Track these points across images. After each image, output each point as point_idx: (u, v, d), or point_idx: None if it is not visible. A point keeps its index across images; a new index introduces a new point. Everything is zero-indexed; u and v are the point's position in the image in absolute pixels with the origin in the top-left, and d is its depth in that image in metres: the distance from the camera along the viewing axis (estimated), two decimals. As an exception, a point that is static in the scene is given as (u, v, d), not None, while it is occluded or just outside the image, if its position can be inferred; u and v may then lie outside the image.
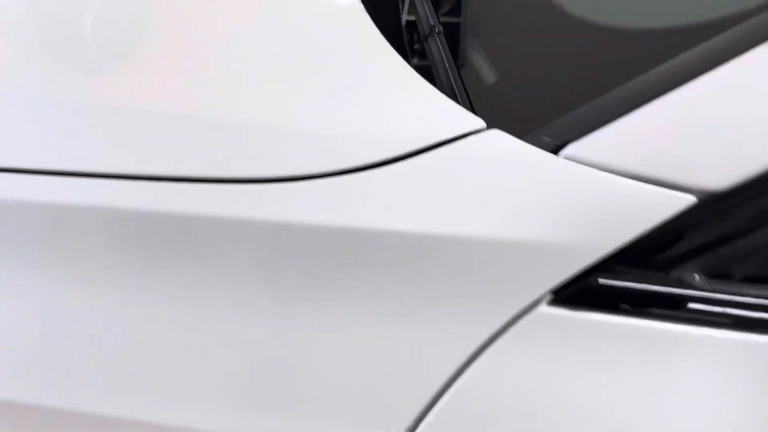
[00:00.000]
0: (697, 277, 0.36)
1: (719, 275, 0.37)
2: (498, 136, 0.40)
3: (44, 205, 0.41)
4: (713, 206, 0.35)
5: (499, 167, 0.39)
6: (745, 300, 0.36)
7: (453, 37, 0.60)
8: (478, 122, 0.41)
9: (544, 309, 0.37)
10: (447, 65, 0.52)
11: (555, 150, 0.39)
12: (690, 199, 0.35)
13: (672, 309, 0.37)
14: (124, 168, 0.41)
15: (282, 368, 0.39)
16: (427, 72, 0.51)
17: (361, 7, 0.53)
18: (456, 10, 0.65)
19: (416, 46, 0.61)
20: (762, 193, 0.35)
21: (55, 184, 0.42)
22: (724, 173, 0.35)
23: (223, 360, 0.39)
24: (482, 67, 0.58)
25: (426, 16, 0.58)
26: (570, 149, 0.38)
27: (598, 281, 0.36)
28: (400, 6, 0.65)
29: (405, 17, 0.64)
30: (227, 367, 0.39)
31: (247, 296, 0.39)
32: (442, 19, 0.61)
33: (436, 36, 0.55)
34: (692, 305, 0.36)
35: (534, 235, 0.36)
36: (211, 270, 0.39)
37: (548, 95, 0.49)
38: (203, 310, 0.39)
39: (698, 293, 0.36)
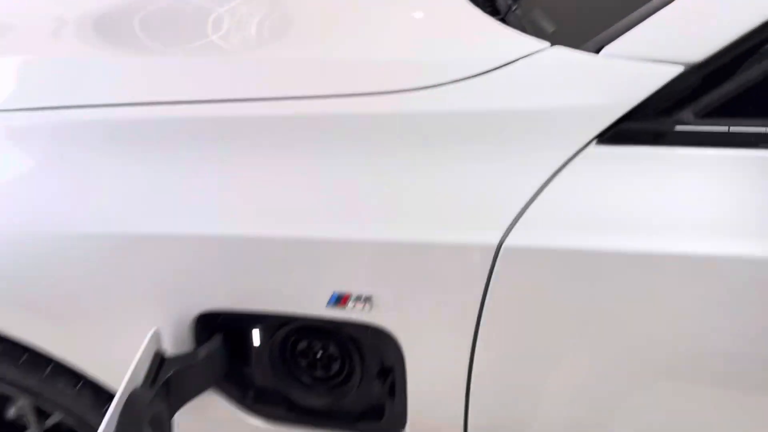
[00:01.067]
0: (690, 116, 0.59)
1: (704, 115, 0.59)
2: (560, 49, 0.65)
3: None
4: (695, 72, 0.58)
5: (563, 65, 0.63)
6: (721, 129, 0.58)
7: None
8: (546, 43, 0.66)
9: (593, 148, 0.61)
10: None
11: (597, 51, 0.63)
12: (679, 69, 0.58)
13: (676, 138, 0.59)
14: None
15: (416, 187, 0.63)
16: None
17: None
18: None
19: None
20: (725, 61, 0.58)
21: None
22: (698, 50, 0.57)
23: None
24: (542, 20, 0.81)
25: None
26: (605, 50, 0.62)
27: (626, 126, 0.60)
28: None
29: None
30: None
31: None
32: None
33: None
34: (687, 134, 0.59)
35: (585, 101, 0.60)
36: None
37: (588, 21, 0.72)
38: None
39: (692, 127, 0.59)
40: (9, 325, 0.77)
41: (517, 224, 0.60)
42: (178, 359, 0.68)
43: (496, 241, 0.60)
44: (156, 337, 0.68)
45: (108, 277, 0.70)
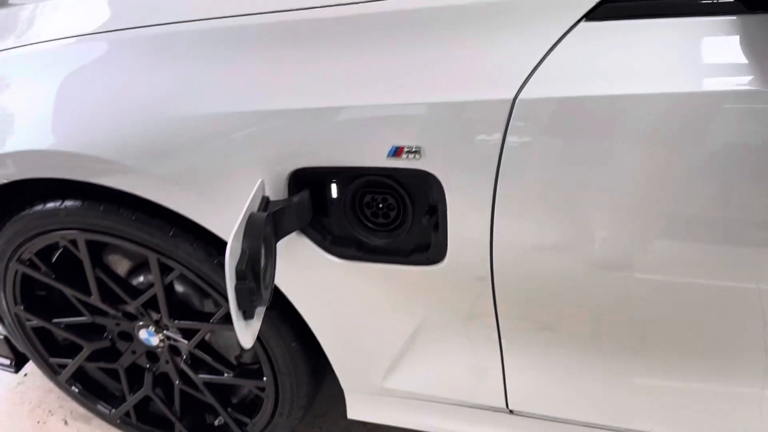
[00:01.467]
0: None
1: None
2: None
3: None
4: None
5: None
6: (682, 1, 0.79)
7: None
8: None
9: (582, 24, 0.82)
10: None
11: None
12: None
13: (651, 10, 0.80)
14: None
15: (446, 59, 0.86)
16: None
17: None
18: None
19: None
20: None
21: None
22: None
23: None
24: None
25: None
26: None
27: (607, 6, 0.81)
28: None
29: None
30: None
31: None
32: None
33: None
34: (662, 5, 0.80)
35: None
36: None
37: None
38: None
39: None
40: (148, 192, 1.03)
41: (527, 83, 0.82)
42: (279, 201, 0.94)
43: (511, 96, 0.82)
44: (262, 184, 0.93)
45: (226, 146, 0.95)
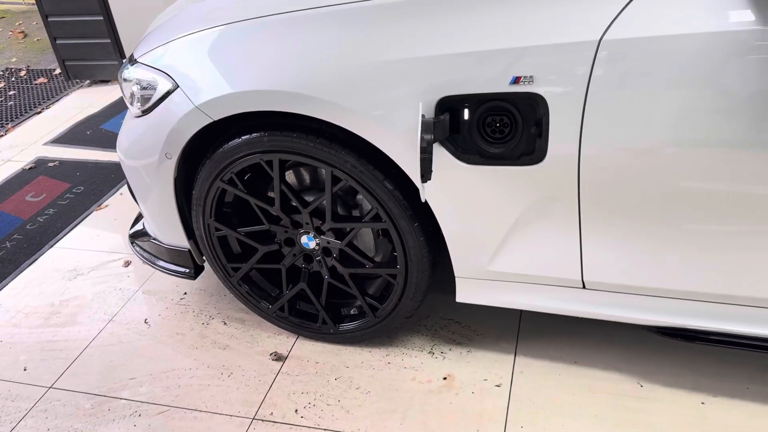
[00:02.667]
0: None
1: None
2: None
3: None
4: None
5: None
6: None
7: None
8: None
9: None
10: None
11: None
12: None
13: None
14: None
15: (538, 12, 1.30)
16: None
17: None
18: None
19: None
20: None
21: None
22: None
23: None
24: None
25: None
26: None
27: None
28: None
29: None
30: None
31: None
32: None
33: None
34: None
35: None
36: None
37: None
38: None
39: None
40: (340, 120, 1.51)
41: (610, 27, 1.26)
42: (431, 118, 1.40)
43: (597, 37, 1.26)
44: (421, 106, 1.40)
45: (395, 83, 1.42)
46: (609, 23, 1.26)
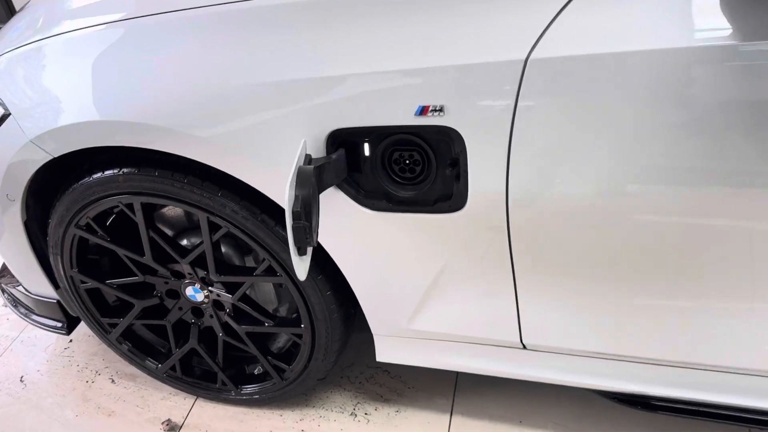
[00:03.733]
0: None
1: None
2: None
3: None
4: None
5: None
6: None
7: None
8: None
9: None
10: None
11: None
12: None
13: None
14: None
15: (461, 24, 0.99)
16: None
17: None
18: None
19: None
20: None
21: None
22: None
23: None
24: None
25: None
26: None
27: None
28: None
29: None
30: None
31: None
32: None
33: None
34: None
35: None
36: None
37: None
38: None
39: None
40: (205, 157, 1.17)
41: (539, 43, 0.95)
42: (320, 159, 1.07)
43: (523, 57, 0.95)
44: (305, 144, 1.06)
45: (271, 112, 1.08)
46: (539, 36, 0.95)
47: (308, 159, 1.06)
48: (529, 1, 0.96)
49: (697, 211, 1.01)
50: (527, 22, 0.95)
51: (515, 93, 0.97)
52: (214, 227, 1.33)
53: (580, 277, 1.15)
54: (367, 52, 1.03)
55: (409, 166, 1.13)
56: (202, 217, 1.30)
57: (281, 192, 1.14)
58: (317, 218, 1.05)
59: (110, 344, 1.72)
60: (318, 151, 1.10)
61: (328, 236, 1.23)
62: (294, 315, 1.49)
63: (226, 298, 1.48)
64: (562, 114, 0.98)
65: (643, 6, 0.92)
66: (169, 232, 1.52)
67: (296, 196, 0.95)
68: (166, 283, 1.52)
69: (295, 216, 0.94)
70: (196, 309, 1.57)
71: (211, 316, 1.55)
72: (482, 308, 1.28)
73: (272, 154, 1.12)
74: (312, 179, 1.00)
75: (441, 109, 1.01)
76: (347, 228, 1.21)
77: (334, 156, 1.09)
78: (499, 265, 1.18)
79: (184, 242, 1.52)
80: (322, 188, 1.08)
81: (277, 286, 1.56)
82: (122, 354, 1.72)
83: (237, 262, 1.50)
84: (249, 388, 1.65)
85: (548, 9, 0.95)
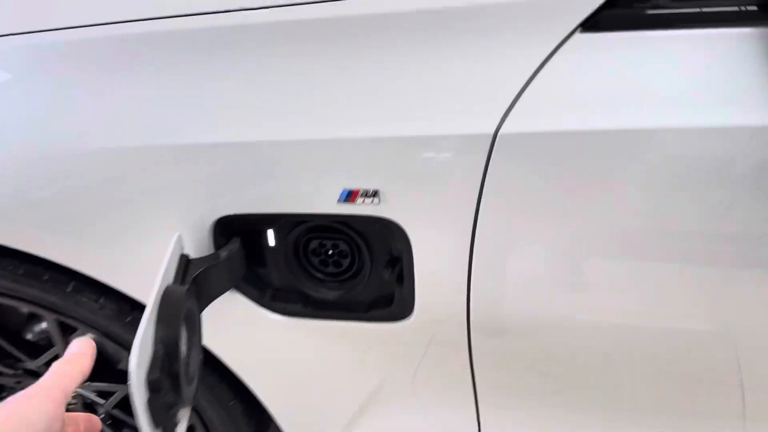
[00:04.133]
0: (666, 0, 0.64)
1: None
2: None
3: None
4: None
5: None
6: (695, 11, 0.63)
7: None
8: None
9: (578, 35, 0.65)
10: None
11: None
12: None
13: (652, 22, 0.64)
14: None
15: (410, 83, 0.67)
16: None
17: None
18: None
19: None
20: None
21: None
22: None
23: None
24: None
25: None
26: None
27: (607, 13, 0.64)
28: None
29: None
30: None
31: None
32: None
33: None
34: (664, 16, 0.64)
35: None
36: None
37: None
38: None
39: (667, 11, 0.64)
40: (31, 244, 0.81)
41: (512, 112, 0.65)
42: (202, 260, 0.74)
43: (492, 130, 0.65)
44: (179, 241, 0.73)
45: (128, 189, 0.74)
46: (510, 103, 0.65)
47: (184, 263, 0.72)
48: (498, 61, 0.66)
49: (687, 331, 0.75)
50: (498, 81, 0.65)
51: (481, 174, 0.67)
52: (69, 328, 0.97)
53: (557, 404, 0.88)
54: (266, 112, 0.70)
55: (333, 259, 0.82)
56: (49, 319, 0.94)
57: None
58: (197, 358, 0.71)
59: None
60: (202, 245, 0.77)
61: (226, 348, 0.90)
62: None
63: (99, 403, 1.13)
64: (540, 201, 0.69)
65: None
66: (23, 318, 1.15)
67: (155, 349, 0.61)
68: (19, 382, 1.15)
69: (152, 386, 0.59)
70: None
71: (84, 421, 1.19)
72: (436, 430, 0.99)
73: (133, 249, 0.78)
74: (184, 306, 0.66)
75: (375, 195, 0.70)
76: (252, 338, 0.88)
77: (224, 253, 0.76)
78: (456, 387, 0.89)
79: (41, 326, 1.15)
80: (207, 303, 0.75)
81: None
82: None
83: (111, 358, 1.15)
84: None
85: (521, 71, 0.65)
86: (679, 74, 0.64)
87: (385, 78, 0.68)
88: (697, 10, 0.63)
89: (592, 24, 0.65)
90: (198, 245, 0.77)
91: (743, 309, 0.71)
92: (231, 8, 0.70)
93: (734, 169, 0.63)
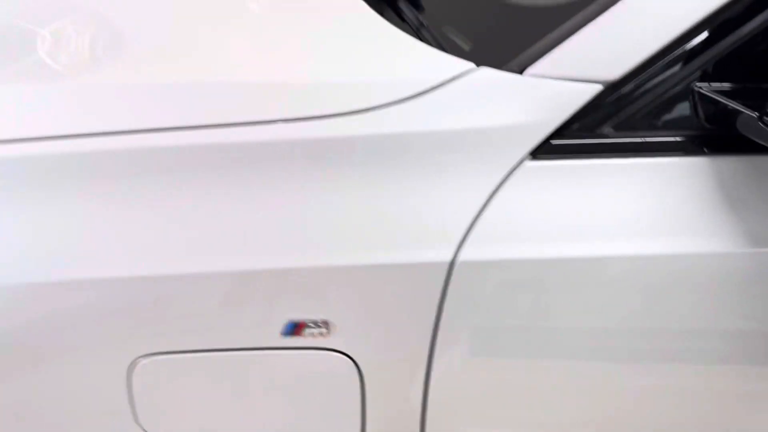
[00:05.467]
0: (610, 129, 0.65)
1: (622, 128, 0.65)
2: (487, 70, 0.68)
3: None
4: (612, 89, 0.64)
5: (492, 86, 0.66)
6: (638, 140, 0.65)
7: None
8: (471, 64, 0.68)
9: (528, 163, 0.65)
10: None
11: (521, 72, 0.67)
12: (598, 87, 0.63)
13: (598, 150, 0.65)
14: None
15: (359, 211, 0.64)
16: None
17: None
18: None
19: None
20: (640, 78, 0.64)
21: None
22: (615, 69, 0.63)
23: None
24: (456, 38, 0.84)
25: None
26: (529, 71, 0.66)
27: (555, 142, 0.64)
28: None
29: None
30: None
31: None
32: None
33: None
34: (610, 145, 0.65)
35: (516, 120, 0.64)
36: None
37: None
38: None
39: (612, 140, 0.65)
40: None
41: (467, 240, 0.63)
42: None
43: (448, 258, 0.62)
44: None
45: (30, 327, 0.64)
46: (465, 233, 0.63)
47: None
48: (451, 189, 0.64)
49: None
50: (453, 207, 0.63)
51: (437, 305, 0.64)
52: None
53: None
54: (193, 241, 0.64)
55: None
56: None
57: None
58: None
59: None
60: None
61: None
62: None
63: None
64: (502, 331, 0.66)
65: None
66: None
67: None
68: None
69: None
70: None
71: None
72: None
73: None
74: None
75: (325, 327, 0.64)
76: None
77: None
78: None
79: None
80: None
81: None
82: None
83: None
84: None
85: (474, 199, 0.63)
86: (624, 202, 0.65)
87: (326, 206, 0.64)
88: (641, 139, 0.64)
89: (541, 152, 0.64)
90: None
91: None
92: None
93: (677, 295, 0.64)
